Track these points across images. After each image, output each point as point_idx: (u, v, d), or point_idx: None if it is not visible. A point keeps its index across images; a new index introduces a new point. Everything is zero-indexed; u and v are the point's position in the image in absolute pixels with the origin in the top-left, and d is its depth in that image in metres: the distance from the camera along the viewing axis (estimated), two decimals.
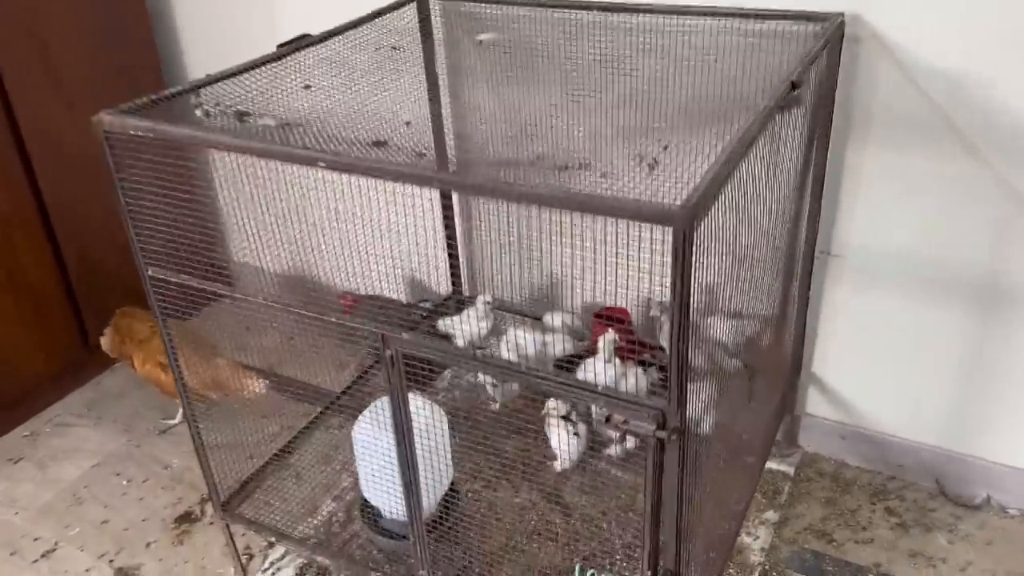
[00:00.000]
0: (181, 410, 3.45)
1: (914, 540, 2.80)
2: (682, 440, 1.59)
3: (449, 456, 2.52)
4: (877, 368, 2.92)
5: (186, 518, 3.07)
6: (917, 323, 2.76)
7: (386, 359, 1.89)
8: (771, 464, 3.12)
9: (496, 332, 3.13)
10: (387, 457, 2.30)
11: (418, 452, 2.14)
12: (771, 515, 2.91)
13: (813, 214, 2.68)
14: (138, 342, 3.33)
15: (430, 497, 2.38)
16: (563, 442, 2.59)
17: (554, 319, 3.12)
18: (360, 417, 2.43)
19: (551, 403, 2.65)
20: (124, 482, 3.25)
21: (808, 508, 2.94)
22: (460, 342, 3.14)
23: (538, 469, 2.66)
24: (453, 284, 3.43)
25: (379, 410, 2.42)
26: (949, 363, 2.78)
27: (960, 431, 2.88)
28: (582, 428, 2.62)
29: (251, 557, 2.90)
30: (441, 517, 2.47)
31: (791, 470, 3.10)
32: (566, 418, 2.64)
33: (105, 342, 3.39)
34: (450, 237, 3.30)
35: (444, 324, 3.20)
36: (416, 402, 2.20)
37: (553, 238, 3.04)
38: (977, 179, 2.47)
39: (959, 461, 2.91)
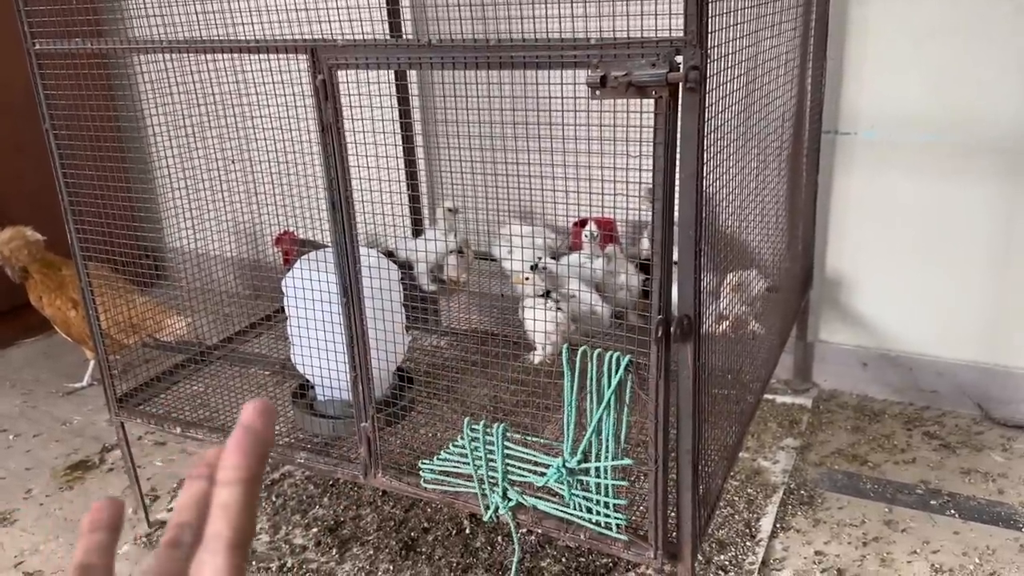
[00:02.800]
0: (88, 371, 2.95)
1: (964, 460, 2.33)
2: (701, 87, 1.20)
3: (402, 324, 2.06)
4: (899, 271, 2.54)
5: (80, 466, 2.51)
6: (940, 206, 2.41)
7: (317, 87, 1.49)
8: (784, 399, 2.66)
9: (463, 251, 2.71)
10: (327, 309, 1.84)
11: (367, 305, 1.70)
12: (791, 441, 2.43)
13: (817, 75, 2.38)
14: (55, 280, 2.86)
15: (380, 370, 1.90)
16: (542, 325, 2.14)
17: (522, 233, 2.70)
18: (295, 265, 1.98)
19: (526, 274, 2.22)
20: (11, 437, 2.69)
21: (833, 435, 2.47)
22: (423, 267, 2.71)
23: (511, 366, 2.19)
24: (414, 221, 3.02)
25: (317, 256, 1.98)
26: (982, 252, 2.41)
27: (1002, 339, 2.47)
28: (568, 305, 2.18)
29: (156, 498, 2.34)
30: (391, 401, 1.98)
31: (808, 402, 2.64)
32: (546, 296, 2.21)
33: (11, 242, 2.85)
34: (411, 176, 2.93)
35: (403, 247, 2.78)
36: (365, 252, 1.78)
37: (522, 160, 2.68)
38: (999, 12, 2.20)
39: (1004, 376, 2.49)
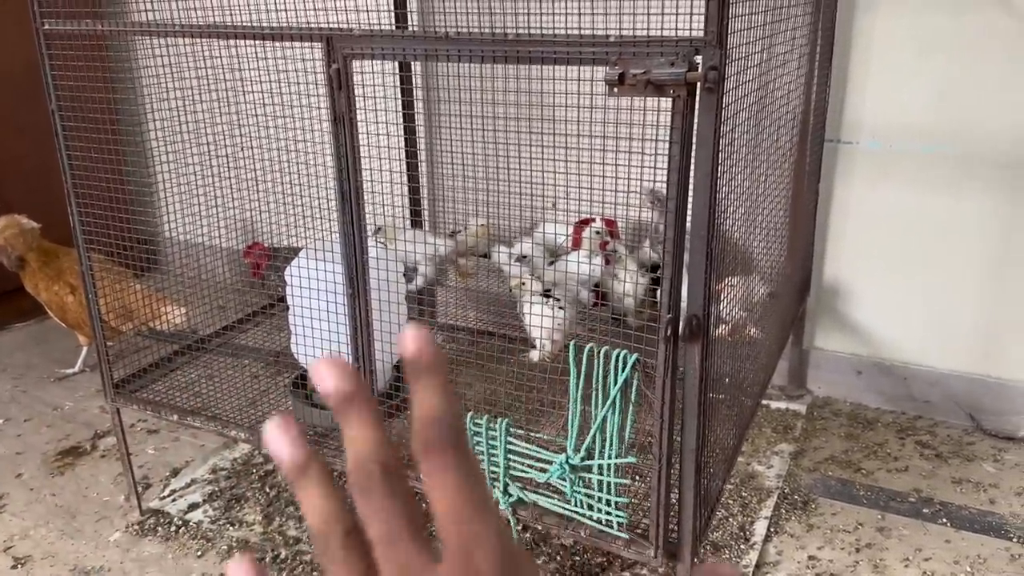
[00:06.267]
0: (81, 357, 2.93)
1: (955, 469, 2.34)
2: (719, 87, 1.20)
3: (404, 317, 2.06)
4: (895, 281, 2.55)
5: (71, 452, 2.49)
6: (938, 218, 2.43)
7: (331, 76, 1.48)
8: (778, 404, 2.68)
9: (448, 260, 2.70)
10: (331, 300, 1.84)
11: (373, 296, 1.70)
12: (785, 447, 2.44)
13: (822, 84, 2.39)
14: (54, 268, 2.84)
15: (384, 361, 1.90)
16: (543, 321, 2.14)
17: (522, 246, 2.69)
18: (299, 254, 1.97)
19: (520, 273, 2.22)
20: (1, 421, 2.66)
21: (827, 442, 2.48)
22: (421, 278, 2.69)
23: (510, 364, 2.19)
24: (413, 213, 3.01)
25: (321, 246, 1.97)
26: (978, 264, 2.43)
27: (996, 351, 2.50)
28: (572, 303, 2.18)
29: (148, 486, 2.32)
30: (392, 393, 1.98)
31: (802, 408, 2.65)
32: (546, 294, 2.21)
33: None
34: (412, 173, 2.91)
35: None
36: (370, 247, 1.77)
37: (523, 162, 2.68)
38: (1003, 28, 2.22)
39: (996, 388, 2.51)
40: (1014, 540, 2.04)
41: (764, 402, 2.65)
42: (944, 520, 2.12)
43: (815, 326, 2.72)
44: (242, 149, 2.22)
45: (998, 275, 2.42)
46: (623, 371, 1.40)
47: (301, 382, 2.13)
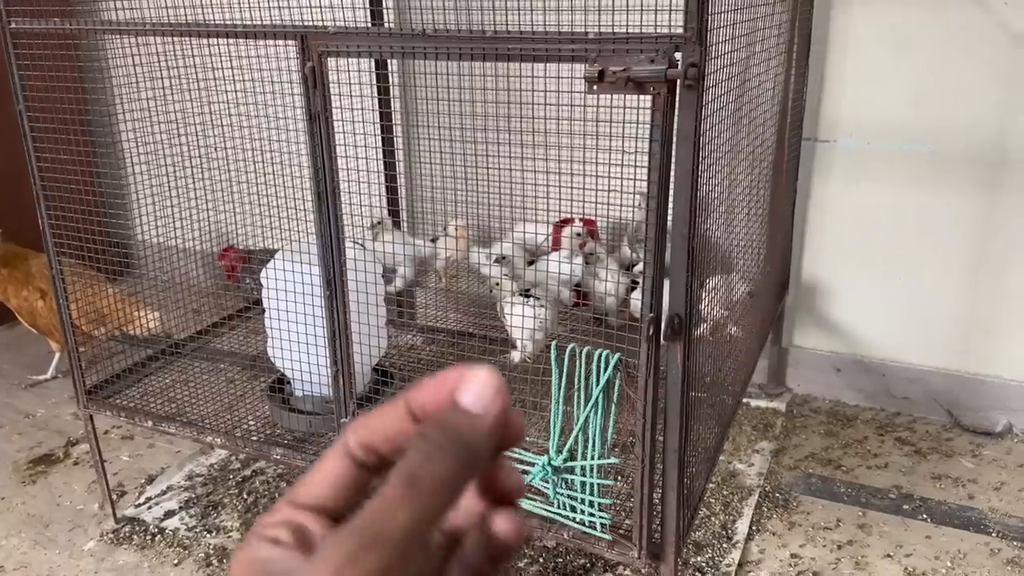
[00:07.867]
0: (53, 363, 2.88)
1: (935, 465, 2.36)
2: (699, 84, 1.19)
3: (383, 319, 2.04)
4: (873, 279, 2.56)
5: (43, 460, 2.44)
6: (915, 215, 2.45)
7: (306, 74, 1.46)
8: (758, 403, 2.68)
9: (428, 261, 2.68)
10: (308, 303, 1.81)
11: (351, 297, 1.67)
12: (765, 445, 2.45)
13: (799, 82, 2.39)
14: (22, 272, 2.78)
15: (361, 365, 1.87)
16: (524, 322, 2.13)
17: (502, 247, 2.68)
18: (275, 256, 1.94)
19: (498, 274, 2.20)
20: None
21: (807, 439, 2.49)
22: (400, 280, 2.66)
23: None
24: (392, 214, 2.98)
25: (298, 248, 1.94)
26: (955, 261, 2.45)
27: (972, 347, 2.51)
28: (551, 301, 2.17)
29: (123, 494, 2.28)
30: (371, 397, 1.95)
31: (782, 407, 2.66)
32: (526, 294, 2.19)
33: None
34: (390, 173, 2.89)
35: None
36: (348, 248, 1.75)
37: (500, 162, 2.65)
38: (979, 25, 2.24)
39: (974, 383, 2.52)
40: (993, 535, 2.05)
41: (744, 400, 2.65)
42: (924, 516, 2.13)
43: (794, 324, 2.73)
44: (216, 150, 2.18)
45: (976, 272, 2.44)
46: (605, 371, 1.39)
47: (279, 386, 2.10)
